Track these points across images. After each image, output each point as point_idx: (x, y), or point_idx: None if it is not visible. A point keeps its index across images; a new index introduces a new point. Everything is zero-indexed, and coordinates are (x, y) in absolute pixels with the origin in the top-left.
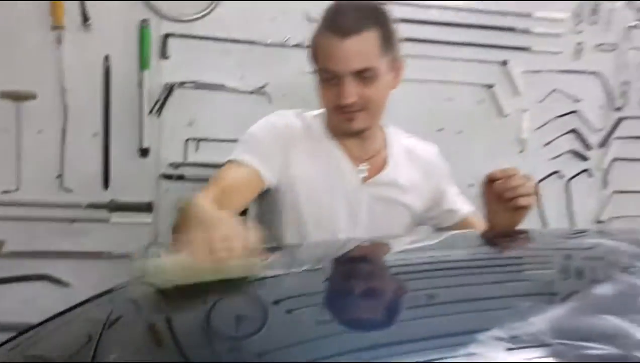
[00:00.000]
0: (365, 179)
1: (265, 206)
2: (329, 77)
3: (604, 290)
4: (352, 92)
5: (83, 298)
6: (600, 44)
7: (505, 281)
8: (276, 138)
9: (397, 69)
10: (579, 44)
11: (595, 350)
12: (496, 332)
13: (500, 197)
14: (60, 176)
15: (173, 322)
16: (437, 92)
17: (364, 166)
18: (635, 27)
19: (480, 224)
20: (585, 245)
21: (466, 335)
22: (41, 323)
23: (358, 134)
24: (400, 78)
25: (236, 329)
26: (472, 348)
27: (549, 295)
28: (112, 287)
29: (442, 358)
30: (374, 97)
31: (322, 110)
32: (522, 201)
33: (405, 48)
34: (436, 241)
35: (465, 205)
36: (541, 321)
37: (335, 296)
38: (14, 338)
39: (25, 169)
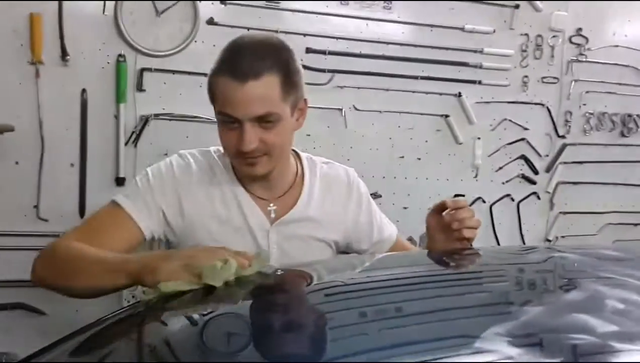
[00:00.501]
0: (275, 219)
1: None
2: (228, 121)
3: (565, 295)
4: (252, 138)
5: (58, 326)
6: (545, 77)
7: (475, 292)
8: (167, 184)
9: (301, 109)
10: (525, 77)
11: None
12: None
13: (446, 226)
14: (36, 206)
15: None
16: (399, 122)
17: (272, 207)
18: (575, 61)
19: (407, 244)
20: (537, 258)
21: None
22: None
23: (263, 177)
24: (304, 118)
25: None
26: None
27: (507, 304)
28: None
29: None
30: (277, 142)
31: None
32: (467, 233)
33: (368, 81)
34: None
35: (390, 227)
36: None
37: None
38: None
39: (2, 200)
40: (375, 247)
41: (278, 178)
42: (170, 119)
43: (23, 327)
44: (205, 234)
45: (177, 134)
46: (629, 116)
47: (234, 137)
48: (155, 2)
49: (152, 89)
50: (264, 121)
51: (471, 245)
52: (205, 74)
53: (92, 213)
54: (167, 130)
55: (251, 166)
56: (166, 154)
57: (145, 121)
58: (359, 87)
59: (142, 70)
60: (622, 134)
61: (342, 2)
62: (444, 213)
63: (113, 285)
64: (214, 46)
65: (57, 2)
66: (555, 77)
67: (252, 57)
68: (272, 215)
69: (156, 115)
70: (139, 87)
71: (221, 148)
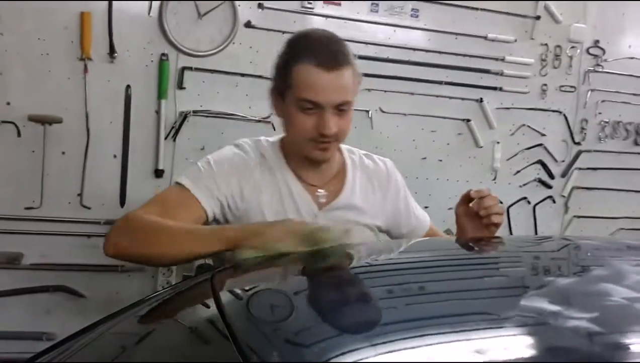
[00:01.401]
0: (323, 205)
1: None
2: (307, 107)
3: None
4: (333, 124)
5: (97, 308)
6: (562, 86)
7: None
8: (229, 171)
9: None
10: (544, 85)
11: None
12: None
13: (475, 215)
14: (80, 194)
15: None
16: (422, 125)
17: (321, 192)
18: (592, 71)
19: (439, 231)
20: (556, 245)
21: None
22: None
23: (318, 162)
24: None
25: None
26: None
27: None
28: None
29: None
30: (346, 129)
31: (276, 138)
32: (495, 219)
33: (394, 85)
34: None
35: (424, 214)
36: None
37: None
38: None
39: (48, 187)
40: (412, 233)
41: (328, 165)
42: (207, 116)
43: (63, 308)
44: (260, 217)
45: (213, 130)
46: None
47: (313, 122)
48: (198, 3)
49: (191, 87)
50: (340, 108)
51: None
52: (241, 74)
53: (158, 193)
54: (205, 126)
55: (323, 150)
56: (203, 149)
57: (184, 117)
58: (385, 91)
59: (183, 68)
60: (636, 143)
61: (373, 9)
62: (471, 204)
63: (207, 251)
64: (250, 47)
65: (107, 2)
66: (572, 86)
67: (334, 49)
68: (321, 200)
69: (195, 112)
70: (180, 85)
71: (269, 138)
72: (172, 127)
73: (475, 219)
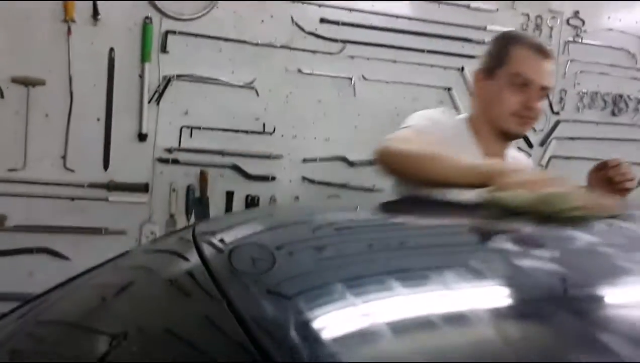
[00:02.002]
0: None
1: None
2: (519, 84)
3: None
4: (539, 101)
5: (81, 270)
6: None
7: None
8: (440, 127)
9: None
10: None
11: None
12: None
13: (608, 180)
14: (63, 156)
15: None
16: (404, 93)
17: None
18: (571, 42)
19: None
20: None
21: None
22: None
23: (510, 139)
24: None
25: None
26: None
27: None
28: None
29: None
30: (541, 113)
31: (464, 115)
32: (629, 185)
33: (377, 53)
34: None
35: None
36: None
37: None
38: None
39: (31, 150)
40: None
41: (507, 148)
42: (191, 81)
43: (46, 271)
44: None
45: (197, 95)
46: (620, 96)
47: (519, 98)
48: None
49: (175, 51)
50: (542, 91)
51: None
52: (225, 39)
53: (399, 133)
54: (188, 91)
55: (523, 124)
56: (186, 113)
57: (167, 81)
58: (368, 58)
59: (167, 32)
60: (613, 113)
61: None
62: (608, 170)
63: (462, 181)
64: (234, 12)
65: None
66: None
67: (545, 46)
68: None
69: (178, 76)
70: (163, 49)
71: (448, 110)
72: (156, 91)
73: (607, 184)
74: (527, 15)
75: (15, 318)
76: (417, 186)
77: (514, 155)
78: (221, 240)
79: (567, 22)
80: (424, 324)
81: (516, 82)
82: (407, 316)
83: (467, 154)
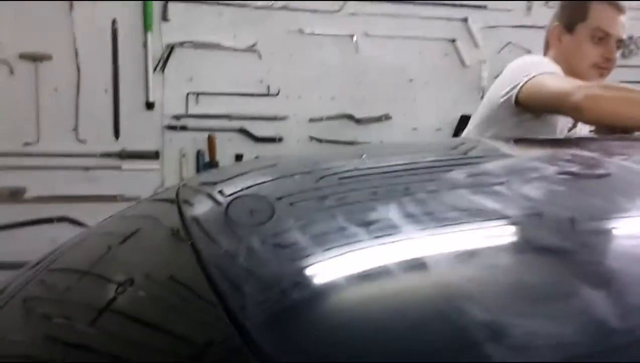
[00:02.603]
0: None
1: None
2: (599, 37)
3: None
4: (616, 53)
5: None
6: (547, 1)
7: None
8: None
9: None
10: (529, 2)
11: None
12: None
13: None
14: (75, 128)
15: None
16: (408, 47)
17: None
18: None
19: None
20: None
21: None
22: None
23: None
24: None
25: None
26: None
27: None
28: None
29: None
30: (616, 63)
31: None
32: None
33: (378, 8)
34: None
35: None
36: None
37: None
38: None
39: (44, 124)
40: None
41: None
42: (194, 47)
43: (67, 238)
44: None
45: (200, 61)
46: (630, 38)
47: (599, 50)
48: None
49: (176, 19)
50: (619, 44)
51: None
52: (225, 3)
53: (559, 79)
54: (191, 57)
55: (602, 75)
56: (191, 80)
57: (171, 48)
58: (370, 14)
59: (167, 0)
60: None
61: None
62: None
63: None
64: None
65: None
66: (558, 1)
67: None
68: None
69: (181, 43)
70: (165, 17)
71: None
72: (160, 60)
73: None
74: None
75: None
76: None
77: None
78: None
79: None
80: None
81: (596, 36)
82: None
83: None
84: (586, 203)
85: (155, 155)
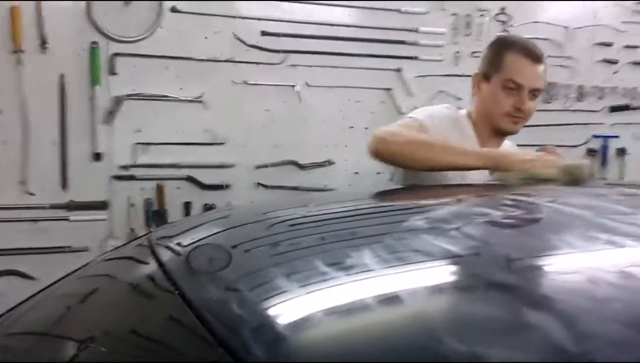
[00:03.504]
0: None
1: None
2: (511, 88)
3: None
4: (528, 103)
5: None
6: (474, 52)
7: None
8: (443, 119)
9: None
10: (457, 52)
11: None
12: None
13: None
14: (23, 181)
15: None
16: (347, 96)
17: None
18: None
19: None
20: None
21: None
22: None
23: (504, 135)
24: None
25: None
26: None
27: None
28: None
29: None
30: (533, 111)
31: (465, 110)
32: None
33: (318, 60)
34: None
35: None
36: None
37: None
38: None
39: None
40: None
41: (502, 142)
42: (141, 99)
43: (16, 291)
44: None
45: (147, 113)
46: (551, 84)
47: (511, 100)
48: None
49: (123, 72)
50: (534, 93)
51: None
52: (171, 57)
53: (400, 122)
54: (139, 109)
55: (514, 123)
56: (139, 131)
57: (118, 101)
58: (310, 66)
59: (114, 55)
60: (546, 101)
61: None
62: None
63: (466, 164)
64: (178, 31)
65: None
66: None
67: (538, 49)
68: None
69: (128, 95)
70: (112, 71)
71: (451, 107)
72: (108, 112)
73: None
74: (457, 14)
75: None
76: (414, 172)
77: (507, 144)
78: (178, 243)
79: (495, 18)
80: (377, 309)
81: (508, 87)
82: (352, 301)
83: (468, 142)
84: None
85: (102, 205)
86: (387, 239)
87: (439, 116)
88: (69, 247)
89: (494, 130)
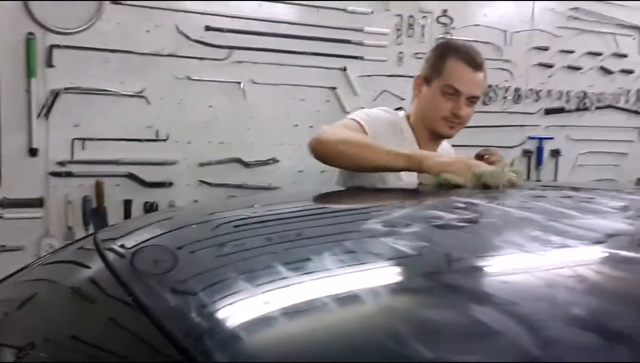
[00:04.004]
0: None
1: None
2: (450, 93)
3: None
4: (465, 108)
5: None
6: (417, 53)
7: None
8: (381, 121)
9: None
10: (400, 53)
11: None
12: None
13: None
14: None
15: None
16: (292, 94)
17: None
18: (442, 38)
19: None
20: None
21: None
22: None
23: (441, 138)
24: None
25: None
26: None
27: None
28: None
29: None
30: (470, 117)
31: (404, 112)
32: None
33: (264, 57)
34: None
35: None
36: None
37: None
38: None
39: None
40: None
41: (440, 144)
42: (79, 93)
43: None
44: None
45: (86, 107)
46: (489, 86)
47: (450, 105)
48: None
49: (61, 65)
50: (471, 100)
51: None
52: (112, 50)
53: (338, 123)
54: (77, 103)
55: (451, 128)
56: (77, 126)
57: (55, 95)
58: (255, 63)
59: (51, 47)
60: (484, 103)
61: None
62: (483, 159)
63: (390, 164)
64: (118, 24)
65: None
66: (425, 53)
67: (480, 56)
68: None
69: (66, 89)
70: (49, 63)
71: (390, 110)
72: (44, 106)
73: None
74: (401, 15)
75: None
76: (350, 173)
77: (445, 147)
78: (125, 246)
79: (437, 20)
80: (325, 307)
81: (447, 92)
82: (303, 302)
83: (405, 146)
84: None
85: (39, 202)
86: (326, 240)
87: (379, 118)
88: (3, 246)
89: (431, 133)
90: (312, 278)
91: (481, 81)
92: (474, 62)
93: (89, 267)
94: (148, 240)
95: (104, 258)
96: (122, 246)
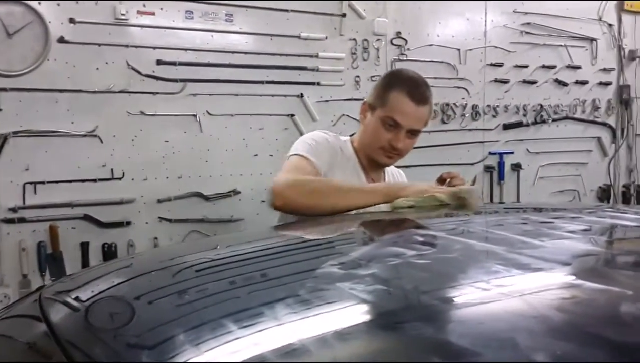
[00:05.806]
0: None
1: None
2: (390, 124)
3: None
4: (404, 141)
5: None
6: (373, 76)
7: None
8: (325, 148)
9: None
10: (357, 77)
11: None
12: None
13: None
14: None
15: None
16: (250, 124)
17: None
18: (397, 60)
19: None
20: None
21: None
22: None
23: (381, 166)
24: None
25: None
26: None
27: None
28: None
29: None
30: (409, 149)
31: (348, 137)
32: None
33: (219, 88)
34: None
35: None
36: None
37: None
38: None
39: None
40: None
41: (384, 170)
42: (29, 136)
43: None
44: None
45: (37, 149)
46: (447, 105)
47: (390, 136)
48: (6, 22)
49: (8, 108)
50: (412, 133)
51: None
52: (60, 90)
53: (287, 163)
54: (27, 146)
55: (389, 158)
56: (27, 170)
57: (4, 139)
58: (210, 94)
59: None
60: (443, 121)
61: (188, 16)
62: (445, 182)
63: (368, 203)
64: (66, 63)
65: None
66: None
67: (424, 91)
68: None
69: (14, 132)
70: None
71: (331, 133)
72: None
73: None
74: (355, 39)
75: None
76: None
77: (392, 171)
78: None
79: (392, 42)
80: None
81: (388, 123)
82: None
83: (352, 172)
84: None
85: None
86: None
87: (322, 144)
88: None
89: (370, 160)
90: (257, 330)
91: (423, 115)
92: (418, 97)
93: (30, 326)
94: (95, 294)
95: (45, 315)
96: (64, 301)
